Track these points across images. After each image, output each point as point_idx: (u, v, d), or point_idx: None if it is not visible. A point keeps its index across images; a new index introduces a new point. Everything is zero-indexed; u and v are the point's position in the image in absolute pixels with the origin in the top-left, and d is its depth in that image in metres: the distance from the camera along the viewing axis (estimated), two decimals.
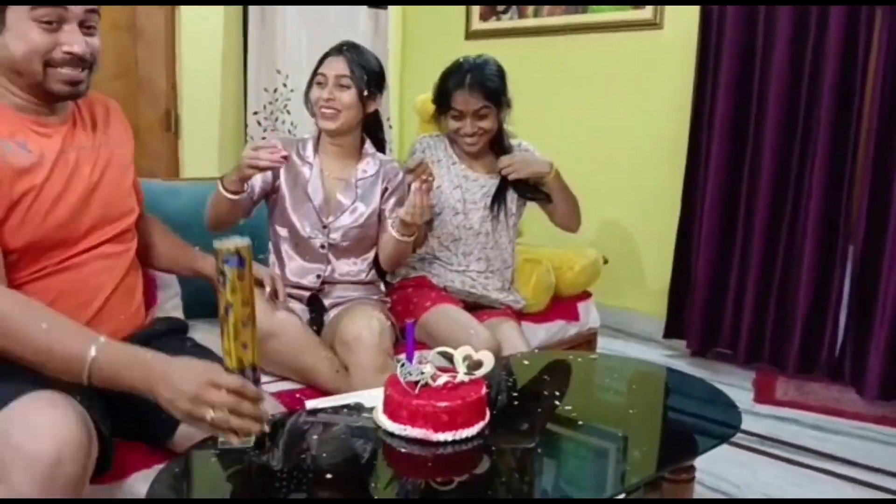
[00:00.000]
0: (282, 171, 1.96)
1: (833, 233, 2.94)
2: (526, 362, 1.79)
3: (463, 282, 2.20)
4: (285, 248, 2.00)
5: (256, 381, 1.18)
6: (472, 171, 2.22)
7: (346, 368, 1.77)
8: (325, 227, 1.98)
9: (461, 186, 2.20)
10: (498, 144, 2.25)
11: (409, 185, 1.91)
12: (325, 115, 1.93)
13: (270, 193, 1.99)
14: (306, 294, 1.99)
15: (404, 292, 2.18)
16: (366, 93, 1.93)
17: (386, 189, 2.04)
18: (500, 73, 2.14)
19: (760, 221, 3.06)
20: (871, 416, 2.69)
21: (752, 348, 3.13)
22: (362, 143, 2.06)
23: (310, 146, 2.02)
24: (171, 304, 1.90)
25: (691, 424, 1.54)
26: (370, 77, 1.94)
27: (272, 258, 2.04)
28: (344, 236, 1.99)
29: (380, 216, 2.04)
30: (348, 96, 1.91)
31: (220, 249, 1.15)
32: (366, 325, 1.75)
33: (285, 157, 1.75)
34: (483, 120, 2.12)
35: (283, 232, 2.00)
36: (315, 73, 1.97)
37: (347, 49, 1.95)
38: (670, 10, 3.36)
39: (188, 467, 1.21)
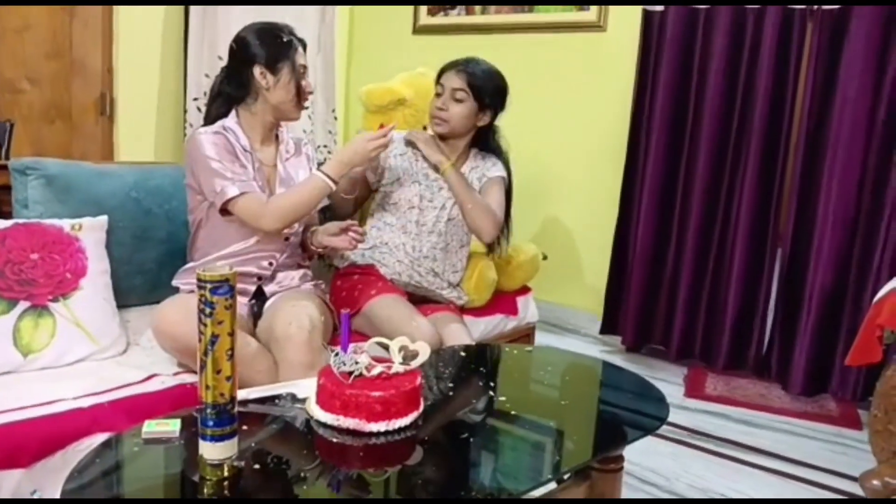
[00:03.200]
0: (240, 159, 1.88)
1: (762, 236, 3.04)
2: (462, 354, 1.80)
3: (410, 275, 2.20)
4: (234, 226, 1.86)
5: (233, 417, 1.11)
6: (433, 172, 2.21)
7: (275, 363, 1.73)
8: None
9: (420, 183, 2.21)
10: (482, 144, 2.28)
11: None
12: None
13: None
14: (251, 287, 1.92)
15: (350, 279, 2.16)
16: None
17: (308, 157, 2.07)
18: (495, 78, 2.20)
19: (694, 223, 3.15)
20: (795, 412, 2.79)
21: (684, 345, 3.22)
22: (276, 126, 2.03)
23: (241, 133, 1.92)
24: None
25: (621, 415, 1.57)
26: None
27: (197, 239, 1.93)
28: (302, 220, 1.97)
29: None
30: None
31: (207, 278, 1.06)
32: (296, 323, 1.70)
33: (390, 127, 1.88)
34: (458, 104, 2.14)
35: (227, 222, 1.88)
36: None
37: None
38: (614, 13, 3.41)
39: (113, 458, 1.18)
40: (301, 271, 2.04)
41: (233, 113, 1.94)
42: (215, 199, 1.80)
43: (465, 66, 2.15)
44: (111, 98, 3.33)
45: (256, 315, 1.92)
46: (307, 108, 1.99)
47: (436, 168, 2.17)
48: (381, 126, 1.85)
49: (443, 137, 2.21)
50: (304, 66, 1.93)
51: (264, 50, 1.88)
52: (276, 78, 1.88)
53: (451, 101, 2.14)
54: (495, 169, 2.26)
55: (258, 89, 1.89)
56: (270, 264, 1.94)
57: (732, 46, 2.99)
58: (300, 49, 1.93)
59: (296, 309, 1.74)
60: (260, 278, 1.94)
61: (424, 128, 2.35)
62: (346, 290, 2.14)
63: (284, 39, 1.89)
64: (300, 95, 1.92)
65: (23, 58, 3.08)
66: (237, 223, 1.86)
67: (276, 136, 2.02)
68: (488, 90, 2.16)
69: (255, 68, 1.88)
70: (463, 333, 2.08)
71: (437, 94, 2.17)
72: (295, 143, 2.06)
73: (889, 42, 2.69)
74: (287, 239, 1.96)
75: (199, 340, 1.08)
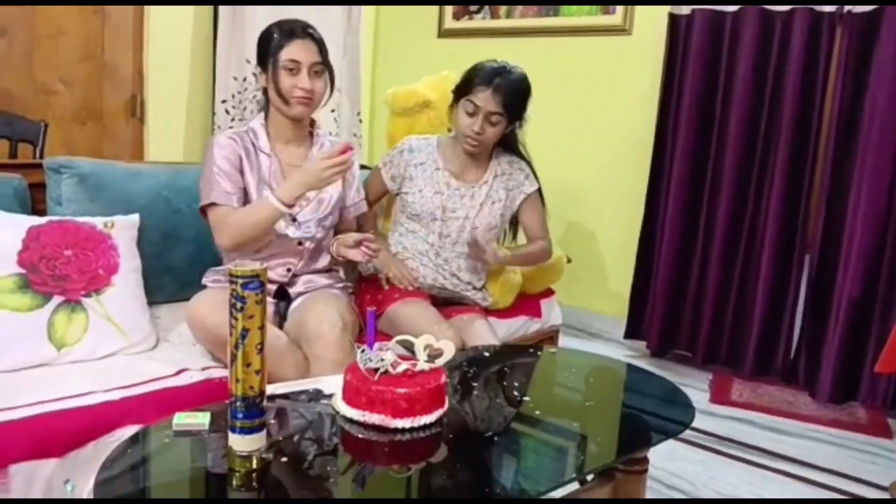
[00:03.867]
0: (243, 161, 1.89)
1: (790, 242, 3.01)
2: (487, 354, 1.80)
3: (435, 279, 2.20)
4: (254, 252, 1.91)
5: (262, 410, 1.13)
6: (454, 180, 2.19)
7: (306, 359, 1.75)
8: (294, 219, 1.92)
9: (442, 193, 2.17)
10: (509, 148, 2.27)
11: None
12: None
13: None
14: (273, 287, 1.95)
15: (375, 284, 2.18)
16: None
17: (344, 178, 2.00)
18: (526, 90, 2.13)
19: (721, 228, 3.12)
20: (823, 419, 2.76)
21: (710, 350, 3.19)
22: (312, 124, 2.03)
23: (262, 135, 1.94)
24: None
25: (646, 418, 1.56)
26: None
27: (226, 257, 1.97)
28: (318, 228, 1.95)
29: (340, 211, 2.04)
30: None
31: (239, 273, 1.09)
32: (328, 321, 1.73)
33: (349, 148, 1.77)
34: (493, 126, 2.09)
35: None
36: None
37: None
38: (640, 17, 3.41)
39: (143, 449, 1.20)
40: (328, 274, 2.04)
41: (261, 114, 1.98)
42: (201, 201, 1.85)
43: (500, 85, 2.04)
44: (141, 100, 3.39)
45: (282, 315, 1.94)
46: (304, 105, 1.87)
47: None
48: (344, 150, 1.74)
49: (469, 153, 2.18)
50: (295, 62, 1.84)
51: (259, 48, 1.90)
52: (266, 76, 1.89)
53: (486, 125, 2.08)
54: (529, 183, 2.26)
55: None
56: (289, 270, 1.95)
57: (760, 49, 2.97)
58: (293, 43, 1.84)
59: (328, 307, 1.77)
60: (277, 282, 1.95)
61: (449, 130, 2.33)
62: (370, 294, 2.15)
63: (275, 35, 1.86)
64: (280, 92, 1.86)
65: (56, 61, 3.15)
66: None
67: (312, 136, 2.01)
68: (521, 106, 2.13)
69: (257, 68, 1.93)
70: (488, 333, 2.08)
71: (469, 113, 2.07)
72: (333, 148, 1.99)
73: None
74: (301, 244, 1.94)
75: (230, 334, 1.10)
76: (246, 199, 1.89)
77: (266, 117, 1.97)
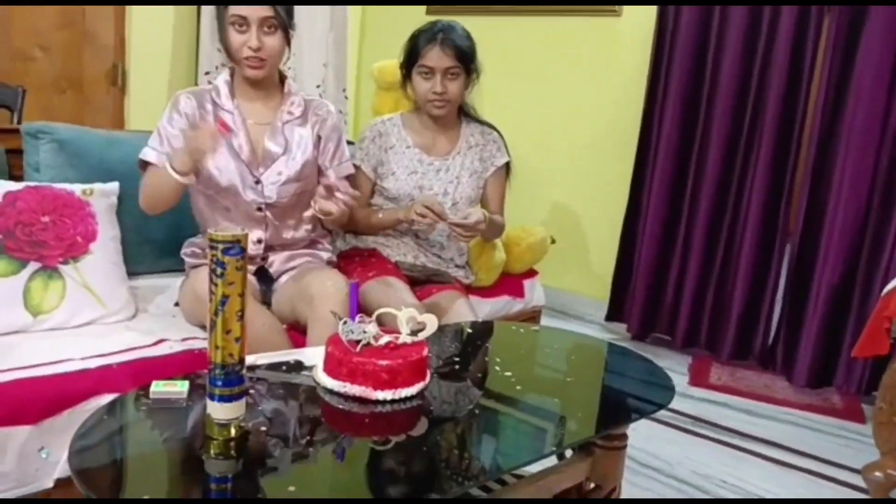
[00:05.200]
0: (198, 123, 1.77)
1: (772, 228, 3.03)
2: (470, 330, 1.80)
3: (416, 256, 2.18)
4: (215, 216, 1.84)
5: (242, 378, 1.11)
6: (426, 155, 2.17)
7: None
8: (257, 181, 1.82)
9: (417, 172, 2.15)
10: (473, 118, 2.24)
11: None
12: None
13: None
14: (251, 267, 1.87)
15: (351, 260, 2.16)
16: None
17: (319, 138, 1.91)
18: (471, 38, 2.11)
19: (704, 213, 3.13)
20: (799, 403, 2.79)
21: (690, 334, 3.21)
22: (282, 80, 1.91)
23: (224, 91, 1.83)
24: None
25: (626, 395, 1.57)
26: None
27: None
28: (281, 193, 1.84)
29: (319, 170, 1.93)
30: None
31: (219, 238, 1.06)
32: (332, 282, 1.70)
33: (225, 126, 1.67)
34: (452, 81, 2.07)
35: (209, 196, 1.82)
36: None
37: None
38: None
39: (120, 417, 1.18)
40: (311, 248, 1.99)
41: (227, 70, 1.89)
42: None
43: (447, 38, 2.02)
44: (123, 69, 3.33)
45: (265, 294, 1.90)
46: (255, 68, 1.76)
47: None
48: (222, 123, 1.66)
49: (437, 119, 2.16)
50: (243, 18, 1.70)
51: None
52: (220, 33, 1.78)
53: (446, 81, 2.05)
54: (500, 156, 2.25)
55: None
56: (259, 242, 1.86)
57: (748, 35, 2.97)
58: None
59: (329, 272, 1.76)
60: (252, 258, 1.85)
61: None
62: (346, 272, 2.10)
63: None
64: (229, 52, 1.76)
65: (35, 27, 3.08)
66: (206, 200, 1.84)
67: (284, 92, 1.90)
68: (473, 56, 2.10)
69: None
70: (468, 311, 2.08)
71: (426, 77, 2.05)
72: (307, 107, 1.92)
73: None
74: (260, 209, 1.83)
75: (210, 301, 1.08)
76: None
77: (232, 74, 1.88)
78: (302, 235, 1.96)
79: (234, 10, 1.71)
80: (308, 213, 1.78)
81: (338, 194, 1.75)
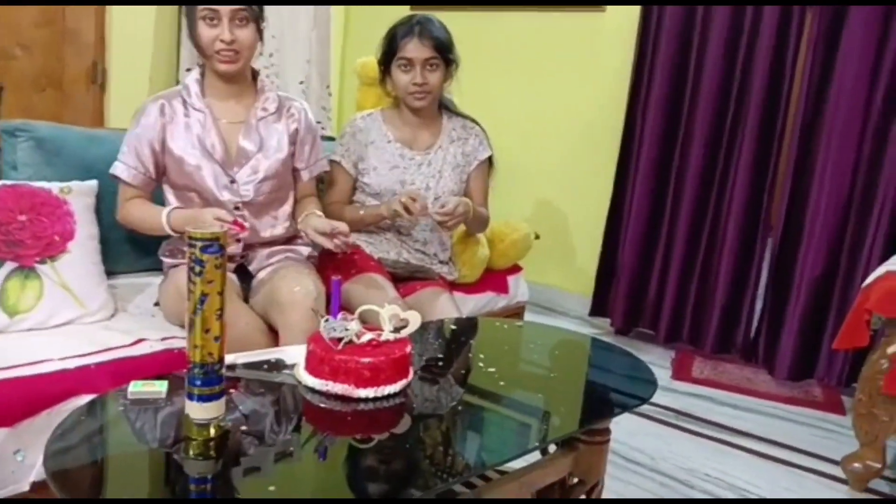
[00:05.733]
0: (167, 128, 1.77)
1: (754, 222, 3.05)
2: (453, 327, 1.80)
3: (399, 253, 2.17)
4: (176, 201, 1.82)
5: (221, 377, 1.10)
6: (408, 150, 2.16)
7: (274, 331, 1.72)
8: (232, 181, 1.81)
9: (398, 166, 2.14)
10: (453, 112, 2.24)
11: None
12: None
13: (162, 161, 1.80)
14: (231, 265, 1.86)
15: (333, 257, 2.15)
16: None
17: (296, 131, 1.90)
18: (447, 30, 2.11)
19: (687, 208, 3.15)
20: (781, 396, 2.82)
21: (673, 329, 3.23)
22: (254, 77, 1.89)
23: (194, 90, 1.81)
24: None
25: (609, 389, 1.57)
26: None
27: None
28: (257, 191, 1.84)
29: (294, 171, 1.93)
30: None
31: (198, 236, 1.05)
32: (299, 286, 1.69)
33: (241, 226, 1.66)
34: (432, 72, 2.07)
35: (183, 197, 1.80)
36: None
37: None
38: None
39: (98, 418, 1.17)
40: (289, 243, 1.97)
41: (198, 69, 1.87)
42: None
43: (424, 30, 2.04)
44: (103, 67, 3.29)
45: (245, 292, 1.88)
46: (228, 62, 1.74)
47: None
48: (236, 223, 1.63)
49: (418, 112, 2.15)
50: (214, 10, 1.68)
51: None
52: (189, 30, 1.76)
53: (426, 72, 2.06)
54: (483, 149, 2.24)
55: None
56: (238, 241, 1.81)
57: (731, 32, 2.98)
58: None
59: (301, 276, 1.73)
60: (231, 257, 1.83)
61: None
62: (328, 269, 2.09)
63: None
64: (200, 47, 1.74)
65: (14, 24, 3.04)
66: (180, 202, 1.82)
67: (258, 89, 1.88)
68: (450, 47, 2.10)
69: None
70: (452, 308, 2.07)
71: (405, 70, 2.06)
72: (281, 104, 1.91)
73: (888, 31, 2.68)
74: (237, 208, 1.82)
75: (188, 299, 1.07)
76: (158, 170, 1.80)
77: (202, 73, 1.85)
78: (280, 232, 1.95)
79: (204, 3, 1.69)
80: (285, 209, 1.82)
81: (337, 240, 1.78)
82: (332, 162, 2.14)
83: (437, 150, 2.18)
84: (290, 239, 1.99)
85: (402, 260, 2.17)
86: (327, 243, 1.79)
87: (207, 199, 1.81)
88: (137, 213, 1.79)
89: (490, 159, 2.26)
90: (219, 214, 1.64)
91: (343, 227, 1.81)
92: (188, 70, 3.35)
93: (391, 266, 2.15)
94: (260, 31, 1.79)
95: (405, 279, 2.15)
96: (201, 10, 1.70)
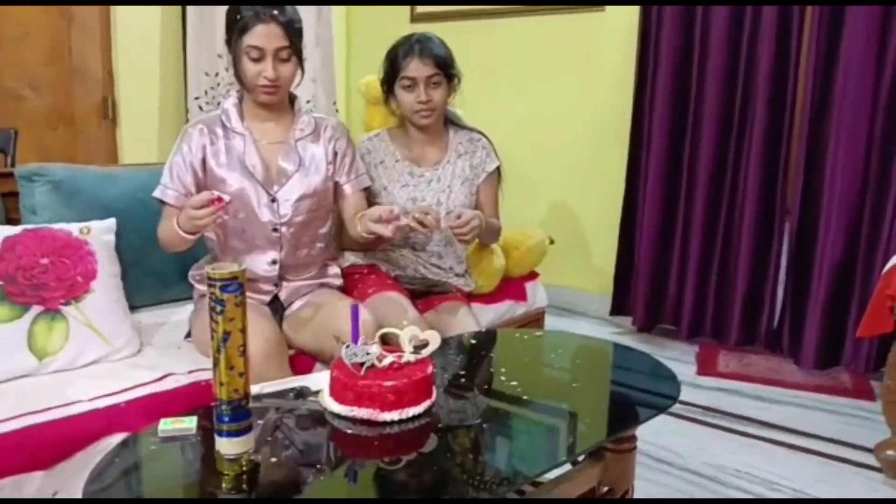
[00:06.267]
0: (207, 151, 1.81)
1: (770, 211, 3.03)
2: (473, 341, 1.81)
3: (416, 269, 2.18)
4: (230, 240, 1.85)
5: (248, 412, 1.13)
6: (417, 167, 2.16)
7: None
8: (273, 200, 1.83)
9: (408, 185, 2.15)
10: (458, 126, 2.25)
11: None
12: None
13: (204, 184, 1.82)
14: (266, 297, 1.88)
15: (350, 278, 2.17)
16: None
17: (335, 154, 1.93)
18: (447, 46, 2.13)
19: (701, 201, 3.14)
20: (808, 385, 2.79)
21: (695, 323, 3.22)
22: (292, 100, 1.94)
23: (234, 115, 1.86)
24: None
25: (633, 395, 1.57)
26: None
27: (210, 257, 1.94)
28: (296, 210, 1.85)
29: (336, 187, 1.95)
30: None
31: (216, 276, 1.07)
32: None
33: (220, 200, 1.61)
34: (436, 89, 2.08)
35: (224, 220, 1.80)
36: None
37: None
38: None
39: (131, 457, 1.19)
40: (322, 277, 1.99)
41: (235, 93, 1.90)
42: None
43: (424, 48, 2.05)
44: (113, 101, 3.35)
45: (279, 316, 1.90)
46: (269, 94, 1.78)
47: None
48: (216, 201, 1.59)
49: (424, 129, 2.16)
50: (259, 49, 1.73)
51: (226, 26, 1.80)
52: (231, 59, 1.81)
53: (429, 90, 2.07)
54: (490, 161, 2.24)
55: None
56: (274, 263, 1.86)
57: (733, 21, 2.97)
58: (256, 29, 1.71)
59: (345, 305, 1.69)
60: (266, 279, 1.88)
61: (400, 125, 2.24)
62: (345, 290, 2.11)
63: (238, 16, 1.75)
64: (243, 80, 1.79)
65: (23, 65, 3.10)
66: (218, 224, 1.81)
67: (294, 110, 1.93)
68: (451, 63, 2.12)
69: (224, 48, 1.86)
70: (471, 321, 2.08)
71: (408, 89, 2.07)
72: (318, 124, 1.94)
73: (891, 11, 2.66)
74: (276, 230, 1.84)
75: (212, 338, 1.10)
76: (198, 188, 1.79)
77: (241, 97, 1.89)
78: (316, 253, 1.96)
79: (250, 41, 1.73)
80: (323, 231, 1.85)
81: (392, 225, 1.76)
82: None
83: (444, 165, 2.19)
84: (322, 267, 2.00)
85: (419, 275, 2.19)
86: (384, 230, 1.77)
87: (247, 220, 1.82)
88: (161, 231, 1.81)
89: (498, 170, 2.27)
90: (195, 202, 1.61)
91: (394, 211, 1.78)
92: (196, 98, 3.40)
93: (408, 283, 2.17)
94: (301, 63, 1.84)
95: (423, 294, 2.17)
96: (246, 47, 1.74)
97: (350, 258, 2.21)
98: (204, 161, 1.82)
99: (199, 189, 1.81)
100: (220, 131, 1.85)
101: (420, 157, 2.20)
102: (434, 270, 2.20)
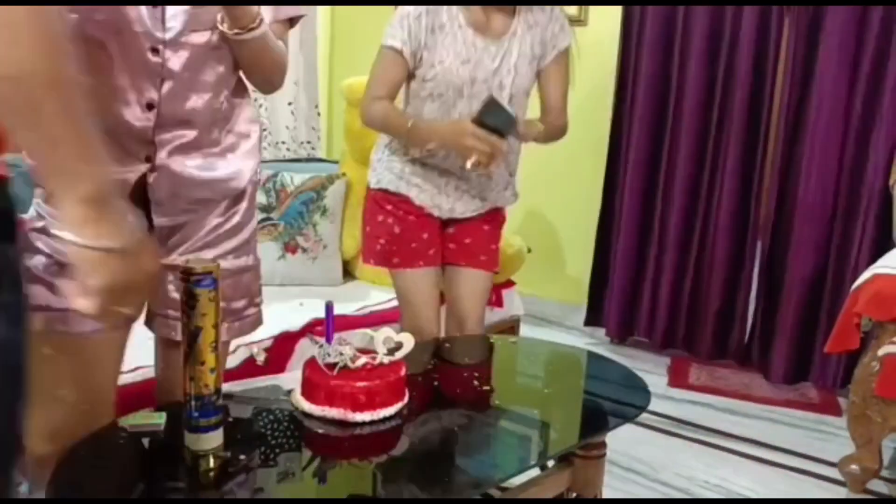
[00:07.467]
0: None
1: (743, 227, 3.07)
2: (447, 345, 1.81)
3: (455, 204, 1.89)
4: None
5: (218, 409, 1.12)
6: (480, 39, 1.75)
7: None
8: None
9: (469, 61, 1.74)
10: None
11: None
12: None
13: None
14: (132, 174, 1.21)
15: (373, 216, 1.89)
16: None
17: None
18: None
19: (676, 215, 3.17)
20: (777, 400, 2.83)
21: (668, 336, 3.25)
22: None
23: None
24: None
25: (603, 403, 1.59)
26: None
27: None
28: (188, 25, 1.18)
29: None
30: None
31: (192, 270, 1.06)
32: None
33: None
34: None
35: (83, 35, 1.11)
36: None
37: None
38: (594, 9, 3.44)
39: (98, 450, 1.18)
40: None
41: None
42: None
43: None
44: None
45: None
46: None
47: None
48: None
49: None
50: None
51: None
52: None
53: None
54: (563, 36, 1.88)
55: None
56: (149, 107, 1.18)
57: (712, 37, 3.01)
58: None
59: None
60: (138, 134, 1.19)
61: None
62: (382, 237, 1.87)
63: None
64: None
65: None
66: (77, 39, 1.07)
67: None
68: None
69: None
70: (483, 293, 1.99)
71: None
72: None
73: (864, 33, 2.72)
74: (156, 50, 1.15)
75: (182, 333, 1.09)
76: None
77: None
78: (203, 105, 1.25)
79: None
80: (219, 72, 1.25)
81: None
82: (385, 47, 1.76)
83: (510, 37, 1.79)
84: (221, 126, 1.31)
85: (458, 211, 1.92)
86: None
87: (115, 32, 1.13)
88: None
89: (568, 49, 1.90)
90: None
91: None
92: None
93: (446, 214, 1.91)
94: None
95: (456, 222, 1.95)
96: None
97: (383, 174, 1.88)
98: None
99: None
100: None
101: (486, 24, 1.78)
102: (476, 204, 1.95)
